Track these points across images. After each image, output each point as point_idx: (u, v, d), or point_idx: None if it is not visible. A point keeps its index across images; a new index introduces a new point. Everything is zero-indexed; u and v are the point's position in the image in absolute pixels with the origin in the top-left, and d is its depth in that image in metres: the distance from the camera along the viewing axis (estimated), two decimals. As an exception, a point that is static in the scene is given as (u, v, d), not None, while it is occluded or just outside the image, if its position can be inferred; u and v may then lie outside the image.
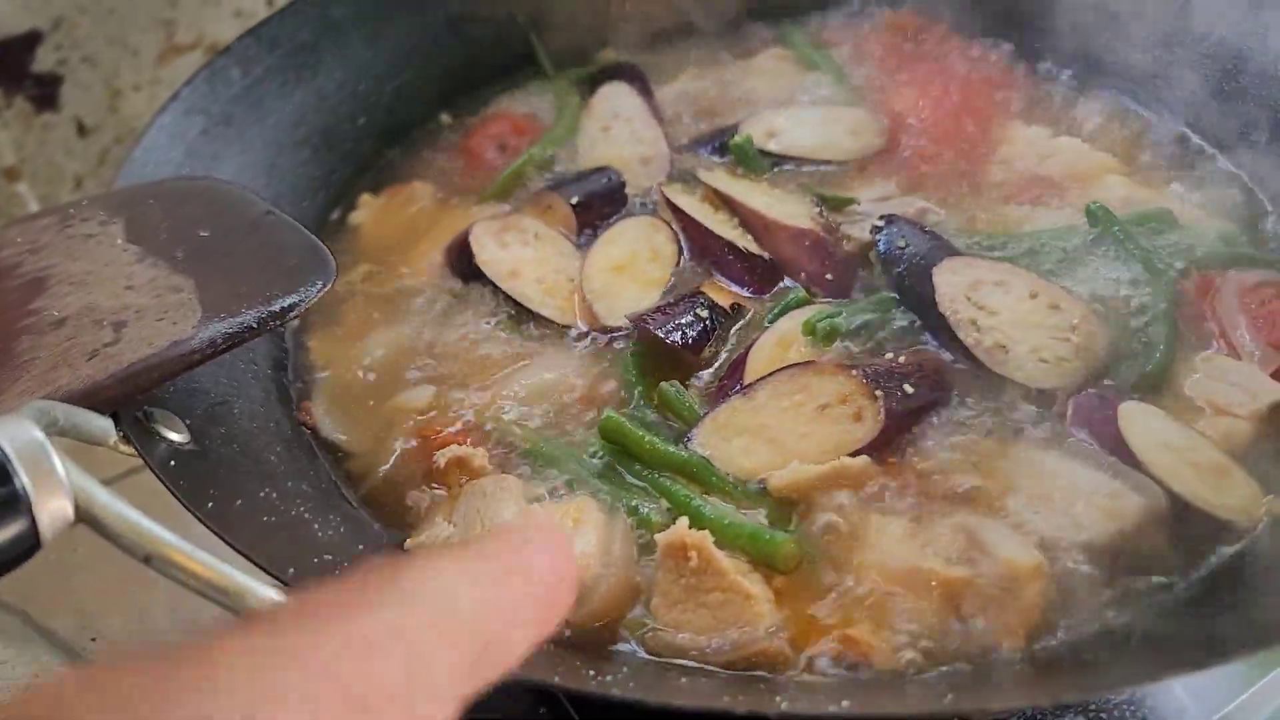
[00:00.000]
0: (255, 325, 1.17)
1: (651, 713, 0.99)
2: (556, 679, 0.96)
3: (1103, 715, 1.22)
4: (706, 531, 1.14)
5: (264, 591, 0.82)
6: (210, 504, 1.05)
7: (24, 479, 0.75)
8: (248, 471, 1.19)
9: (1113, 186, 1.57)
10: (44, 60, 2.01)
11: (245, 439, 1.25)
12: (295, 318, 1.21)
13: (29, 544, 0.77)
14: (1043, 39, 1.83)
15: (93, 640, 1.46)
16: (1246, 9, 1.60)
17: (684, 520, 1.16)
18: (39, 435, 0.78)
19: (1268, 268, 1.44)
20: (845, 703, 0.98)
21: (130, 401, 1.11)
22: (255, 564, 0.97)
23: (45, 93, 2.05)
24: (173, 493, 1.03)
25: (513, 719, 1.21)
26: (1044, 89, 1.79)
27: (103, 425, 1.04)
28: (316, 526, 1.17)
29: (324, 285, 1.24)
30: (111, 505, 0.80)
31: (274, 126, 1.64)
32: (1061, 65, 1.82)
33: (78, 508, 0.79)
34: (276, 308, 1.19)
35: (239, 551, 0.98)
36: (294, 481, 1.23)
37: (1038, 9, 1.82)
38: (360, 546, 1.18)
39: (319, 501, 1.22)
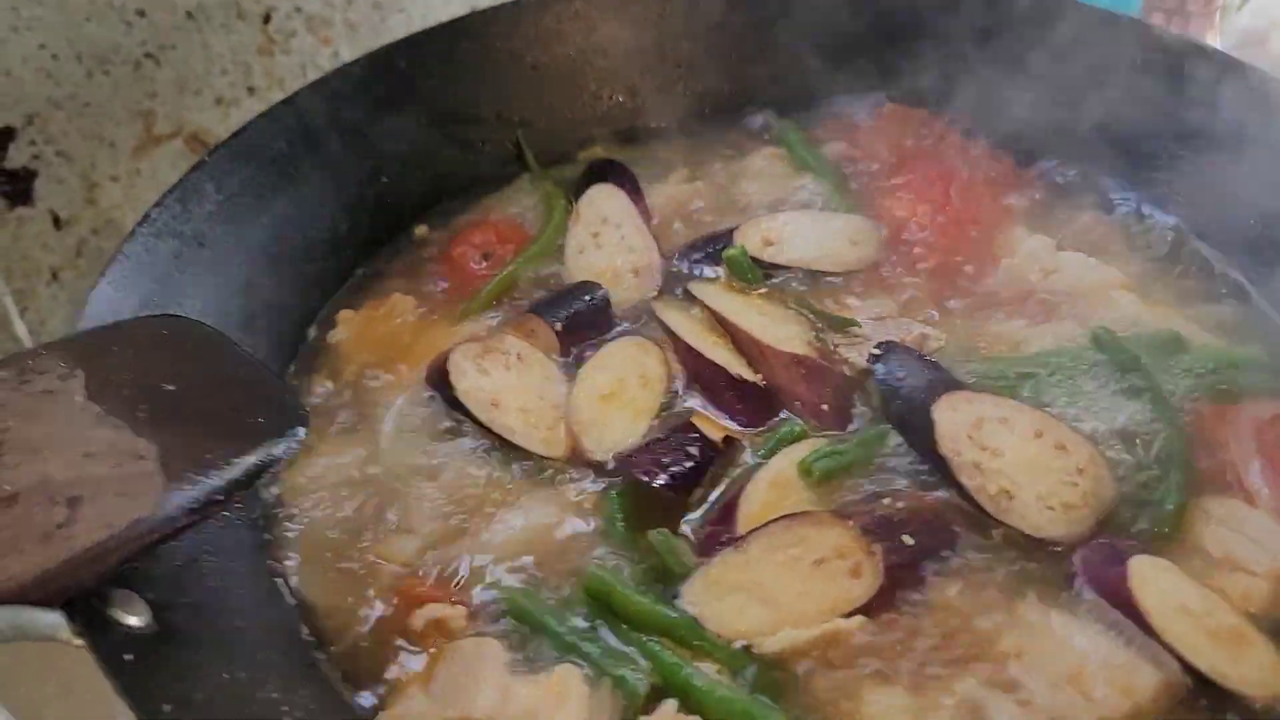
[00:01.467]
0: (221, 496, 1.11)
1: None
2: None
3: None
4: (696, 718, 1.08)
5: None
6: (168, 706, 0.99)
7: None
8: (212, 649, 1.12)
9: (1120, 305, 1.51)
10: (17, 156, 1.96)
11: (212, 605, 1.19)
12: (264, 481, 1.15)
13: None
14: (1048, 136, 1.77)
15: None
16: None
17: (671, 704, 1.10)
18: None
19: (1281, 397, 1.39)
20: None
21: (85, 587, 1.05)
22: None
23: (19, 188, 2.00)
24: (127, 702, 0.97)
25: None
26: (1044, 190, 1.73)
27: (51, 621, 0.98)
28: (285, 709, 1.10)
29: (294, 444, 1.19)
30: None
31: (250, 242, 1.58)
32: (1068, 165, 1.76)
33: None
34: (242, 474, 1.13)
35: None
36: (263, 652, 1.16)
37: (1040, 103, 1.76)
38: (331, 729, 1.12)
39: (289, 674, 1.16)
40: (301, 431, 1.19)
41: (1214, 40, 2.36)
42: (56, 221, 2.07)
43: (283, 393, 1.23)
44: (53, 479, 1.09)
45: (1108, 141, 1.71)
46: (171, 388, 1.21)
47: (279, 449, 1.17)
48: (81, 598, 1.04)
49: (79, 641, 1.01)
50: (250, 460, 1.15)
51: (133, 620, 1.07)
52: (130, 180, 2.10)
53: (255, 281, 1.57)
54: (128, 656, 1.02)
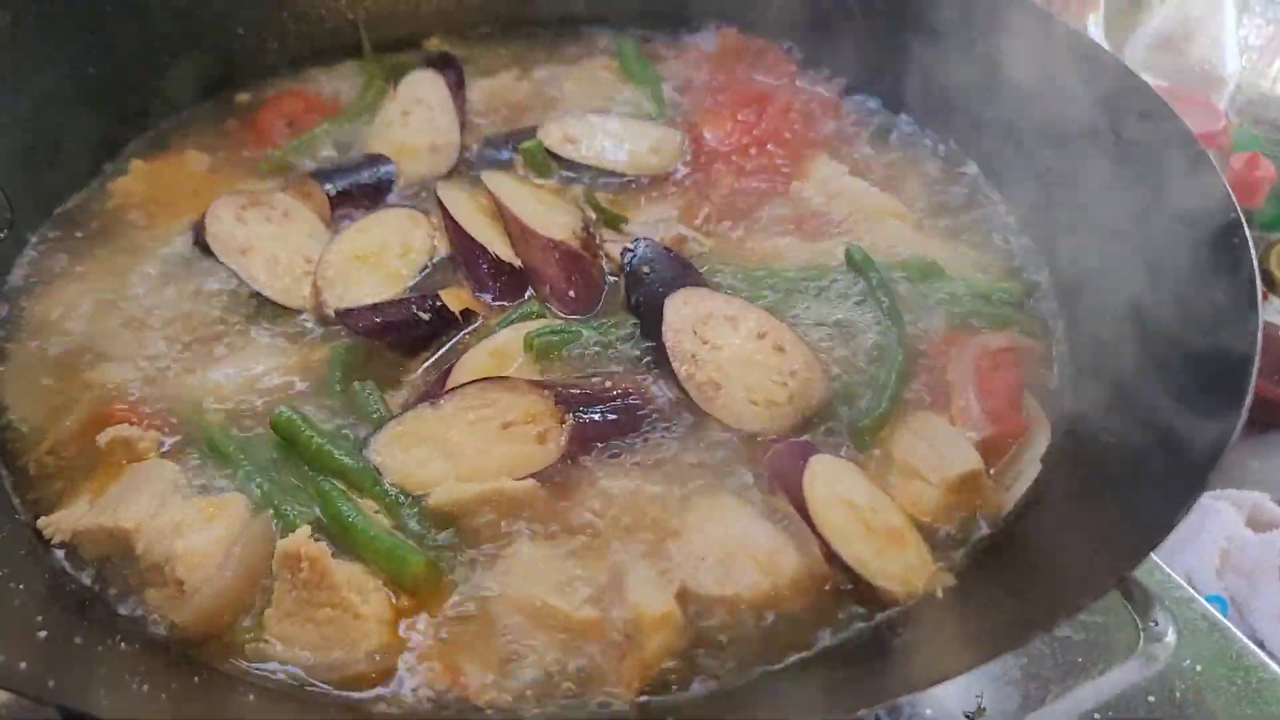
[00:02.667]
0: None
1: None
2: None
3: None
4: (324, 544, 1.08)
5: None
6: None
7: None
8: None
9: (892, 231, 1.51)
10: None
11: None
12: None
13: None
14: (874, 75, 1.77)
15: None
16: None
17: (305, 529, 1.10)
18: None
19: (1019, 333, 1.38)
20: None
21: None
22: None
23: None
24: None
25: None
26: (860, 125, 1.74)
27: None
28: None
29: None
30: None
31: (45, 77, 1.58)
32: (887, 104, 1.76)
33: None
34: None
35: None
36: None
37: (874, 46, 1.77)
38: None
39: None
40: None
41: (1095, 21, 2.36)
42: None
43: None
44: None
45: (925, 87, 1.71)
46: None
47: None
48: None
49: None
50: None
51: None
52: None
53: (46, 116, 1.57)
54: None
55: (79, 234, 1.52)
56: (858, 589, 1.11)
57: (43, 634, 0.97)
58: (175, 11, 1.71)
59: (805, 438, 1.25)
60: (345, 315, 1.34)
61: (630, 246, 1.43)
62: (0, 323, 1.39)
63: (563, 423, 1.22)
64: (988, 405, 1.28)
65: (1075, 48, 1.52)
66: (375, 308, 1.36)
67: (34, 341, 1.37)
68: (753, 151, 1.67)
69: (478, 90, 1.77)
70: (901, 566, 1.12)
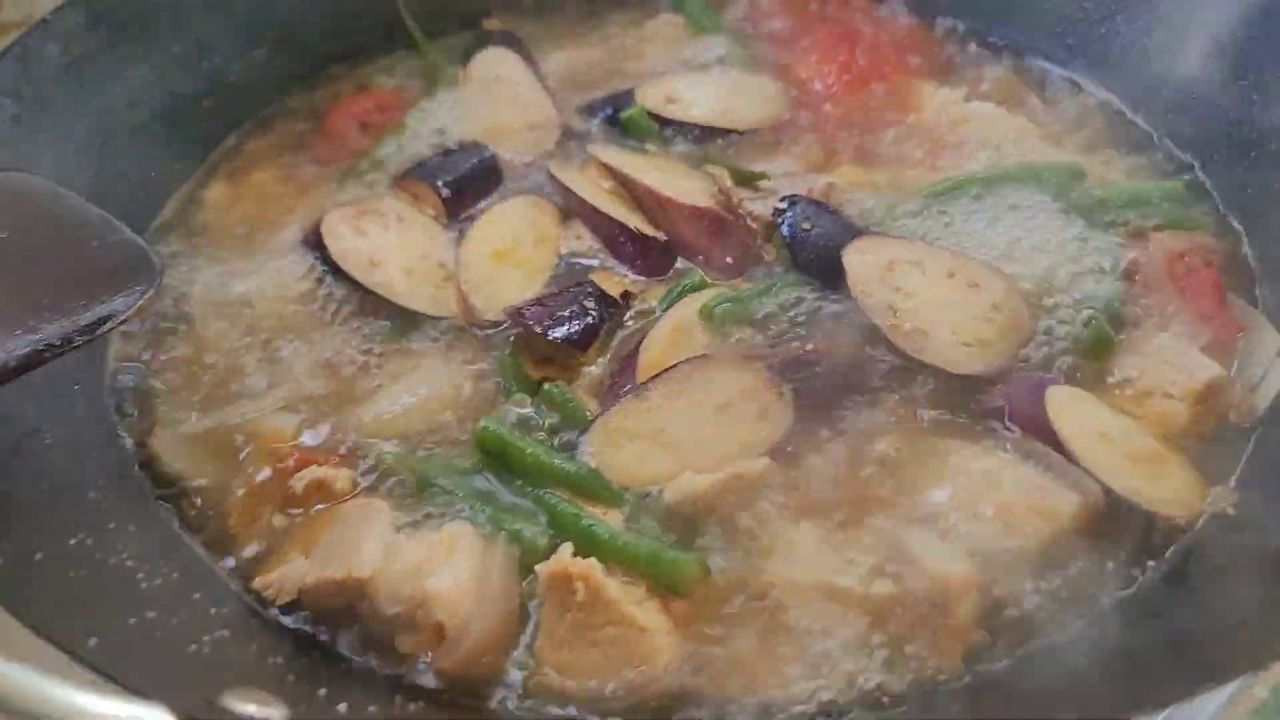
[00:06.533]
0: (57, 343, 1.00)
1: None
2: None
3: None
4: (593, 560, 1.00)
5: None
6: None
7: None
8: (58, 515, 1.01)
9: (1031, 149, 1.46)
10: None
11: (59, 475, 1.08)
12: (110, 330, 1.04)
13: None
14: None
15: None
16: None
17: (568, 547, 1.02)
18: None
19: (1193, 231, 1.35)
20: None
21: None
22: (45, 638, 0.80)
23: None
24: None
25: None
26: (951, 49, 1.68)
27: None
28: (141, 576, 1.00)
29: (145, 292, 1.07)
30: None
31: (103, 110, 1.45)
32: (966, 23, 1.70)
33: None
34: (84, 321, 1.02)
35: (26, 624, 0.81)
36: (118, 523, 1.06)
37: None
38: (196, 595, 1.01)
39: (148, 545, 1.06)
40: (154, 282, 1.08)
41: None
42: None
43: (131, 241, 1.11)
44: None
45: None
46: (3, 235, 1.09)
47: (129, 299, 1.06)
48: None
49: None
50: (94, 311, 1.04)
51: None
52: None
53: (110, 150, 1.44)
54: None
55: (180, 260, 1.40)
56: (1137, 523, 1.07)
57: (342, 707, 0.88)
58: (219, 27, 1.57)
59: (1030, 371, 1.20)
60: (517, 315, 1.25)
61: (781, 206, 1.36)
62: (138, 385, 1.27)
63: (781, 394, 1.15)
64: (1194, 308, 1.24)
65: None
66: (540, 303, 1.27)
67: (177, 397, 1.25)
68: (856, 90, 1.60)
69: (552, 63, 1.67)
70: (1174, 490, 1.09)
